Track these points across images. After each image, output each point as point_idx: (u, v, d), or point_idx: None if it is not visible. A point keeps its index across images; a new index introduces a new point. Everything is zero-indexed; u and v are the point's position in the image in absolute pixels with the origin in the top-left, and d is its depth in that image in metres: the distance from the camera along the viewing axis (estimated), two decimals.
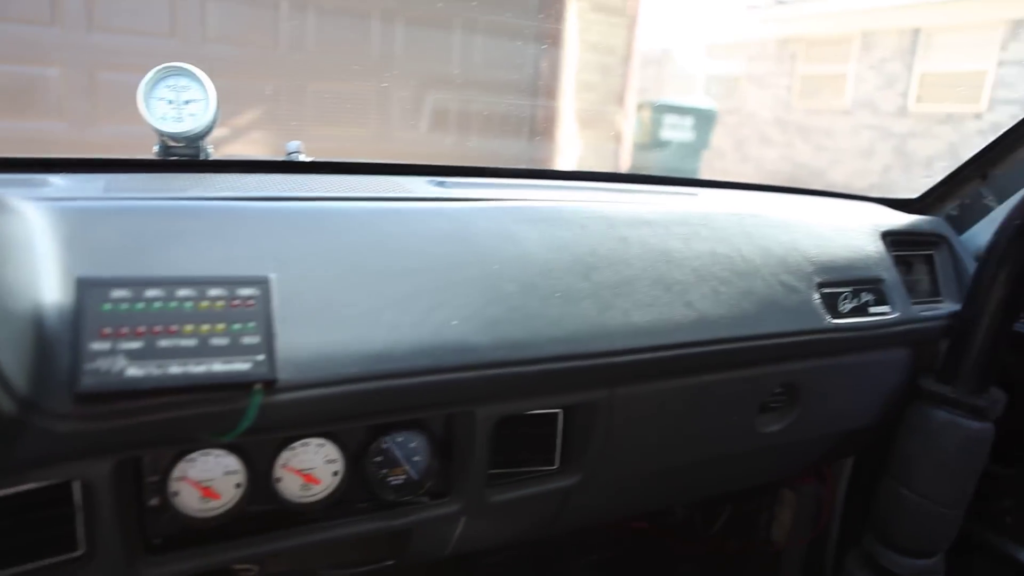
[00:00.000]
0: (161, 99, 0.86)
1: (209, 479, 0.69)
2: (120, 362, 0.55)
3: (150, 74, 0.84)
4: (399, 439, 0.76)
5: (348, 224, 0.75)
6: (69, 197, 0.67)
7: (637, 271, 0.87)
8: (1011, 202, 1.20)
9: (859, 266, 1.09)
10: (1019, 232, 1.03)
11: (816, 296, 1.02)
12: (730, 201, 1.15)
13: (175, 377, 0.56)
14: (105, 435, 0.59)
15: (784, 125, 9.83)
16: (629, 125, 5.69)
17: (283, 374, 0.62)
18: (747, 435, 1.05)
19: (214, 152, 0.94)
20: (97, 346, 0.54)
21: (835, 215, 1.16)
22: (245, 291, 0.60)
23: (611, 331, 0.81)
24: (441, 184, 0.97)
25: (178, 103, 0.86)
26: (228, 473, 0.70)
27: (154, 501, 0.70)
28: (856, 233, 1.14)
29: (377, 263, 0.73)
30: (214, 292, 0.59)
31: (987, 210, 1.30)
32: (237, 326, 0.59)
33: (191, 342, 0.58)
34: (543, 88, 4.86)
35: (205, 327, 0.58)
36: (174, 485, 0.68)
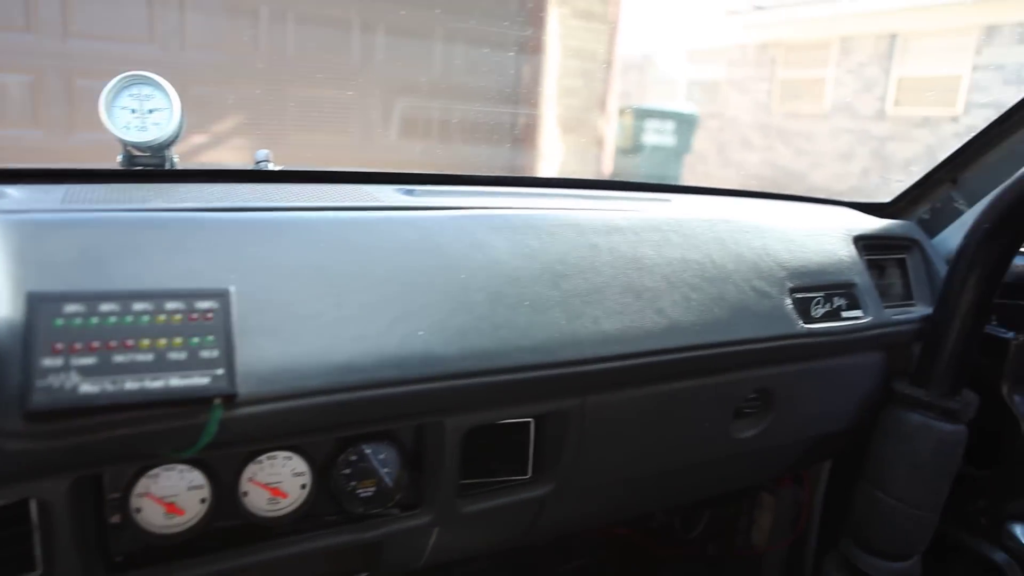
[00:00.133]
0: (124, 108, 0.84)
1: (173, 495, 0.68)
2: (73, 378, 0.53)
3: (112, 83, 0.83)
4: (368, 451, 0.75)
5: (312, 234, 0.74)
6: (23, 209, 0.66)
7: (607, 278, 0.87)
8: (980, 206, 1.22)
9: (831, 271, 1.10)
10: (988, 236, 1.03)
11: (788, 301, 1.02)
12: (703, 207, 1.15)
13: (131, 393, 0.55)
14: (60, 453, 0.57)
15: (765, 129, 9.90)
16: (611, 130, 5.71)
17: (244, 388, 0.61)
18: (722, 441, 1.05)
19: (180, 161, 0.92)
20: (49, 362, 0.53)
21: (807, 220, 1.16)
22: (204, 304, 0.59)
23: (581, 339, 0.81)
24: (410, 192, 0.97)
25: (142, 112, 0.85)
26: (192, 488, 0.68)
27: (115, 518, 0.68)
28: (828, 238, 1.14)
29: (342, 274, 0.72)
30: (172, 305, 0.58)
31: (958, 214, 1.31)
32: (196, 340, 0.58)
33: (148, 357, 0.56)
34: (525, 94, 4.86)
35: (162, 341, 0.57)
36: (136, 501, 0.66)
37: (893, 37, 8.42)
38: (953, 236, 1.30)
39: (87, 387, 0.54)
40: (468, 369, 0.73)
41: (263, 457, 0.71)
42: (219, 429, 0.60)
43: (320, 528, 0.78)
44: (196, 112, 3.54)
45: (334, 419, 0.69)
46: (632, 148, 7.19)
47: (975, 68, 7.47)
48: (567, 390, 0.84)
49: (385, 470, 0.76)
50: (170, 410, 0.58)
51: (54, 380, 0.53)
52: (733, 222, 1.06)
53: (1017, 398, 1.22)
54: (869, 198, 1.43)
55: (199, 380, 0.58)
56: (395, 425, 0.77)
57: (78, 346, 0.54)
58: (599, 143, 5.59)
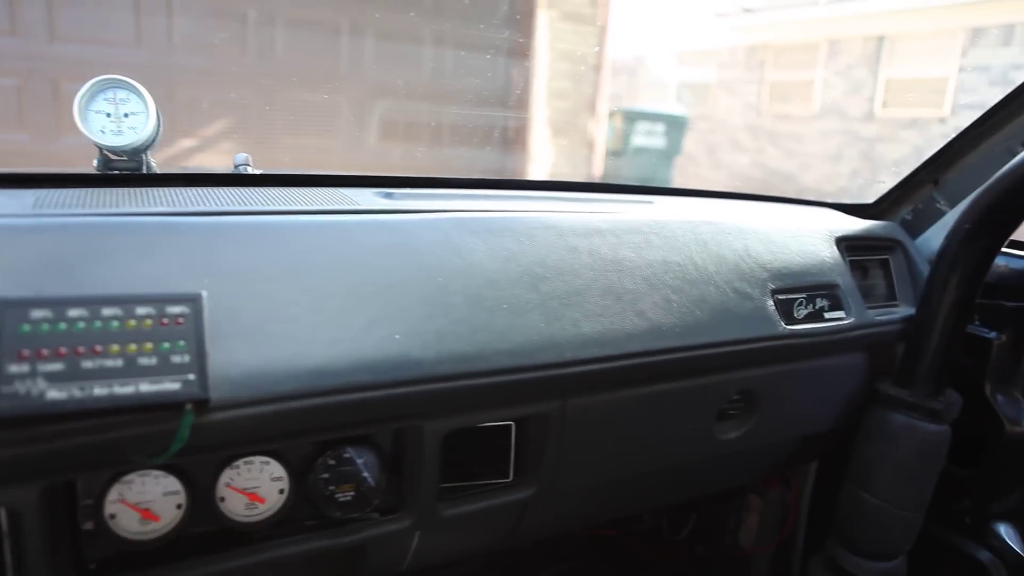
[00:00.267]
0: (99, 112, 0.84)
1: (148, 501, 0.67)
2: (40, 385, 0.53)
3: (86, 87, 0.82)
4: (346, 455, 0.75)
5: (288, 238, 0.73)
6: None
7: (587, 281, 0.87)
8: (961, 206, 1.22)
9: (814, 272, 1.10)
10: (969, 236, 1.04)
11: (770, 303, 1.02)
12: (685, 209, 1.15)
13: (100, 399, 0.55)
14: (28, 460, 0.57)
15: (755, 131, 9.95)
16: (601, 133, 5.72)
17: (217, 392, 0.61)
18: (705, 443, 1.04)
19: (158, 166, 0.92)
20: (15, 368, 0.52)
21: (790, 221, 1.17)
22: (175, 309, 0.59)
23: (560, 342, 0.81)
24: (388, 196, 0.96)
25: (117, 116, 0.84)
26: (168, 494, 0.68)
27: (88, 525, 0.68)
28: (811, 239, 1.14)
29: (317, 278, 0.71)
30: (142, 311, 0.58)
31: (940, 214, 1.31)
32: (166, 345, 0.58)
33: (117, 362, 0.56)
34: (515, 97, 4.87)
35: (132, 347, 0.57)
36: (110, 508, 0.66)
37: (881, 39, 8.47)
38: (936, 237, 1.30)
39: (54, 393, 0.53)
40: (445, 373, 0.73)
41: (240, 462, 0.71)
42: (192, 434, 0.60)
43: (299, 533, 0.77)
44: (184, 116, 3.54)
45: (310, 423, 0.68)
46: (622, 150, 7.21)
47: (961, 69, 7.53)
48: (547, 393, 0.84)
49: (364, 474, 0.75)
50: (141, 416, 0.58)
51: (20, 386, 0.52)
52: (715, 224, 1.06)
53: (1000, 398, 1.22)
54: (857, 199, 1.43)
55: (170, 385, 0.57)
56: (373, 429, 0.76)
57: (45, 352, 0.53)
58: (589, 145, 5.60)
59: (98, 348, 0.55)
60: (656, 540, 1.68)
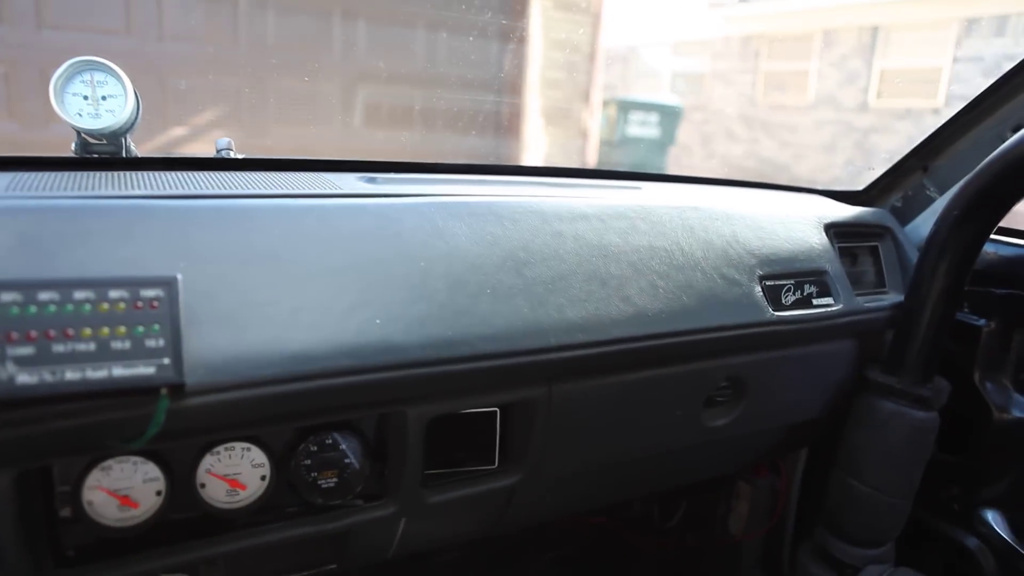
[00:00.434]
0: (76, 95, 0.82)
1: (127, 487, 0.66)
2: (9, 369, 0.52)
3: (62, 68, 0.81)
4: (328, 441, 0.74)
5: (266, 222, 0.72)
6: None
7: (572, 266, 0.86)
8: (951, 193, 1.22)
9: (802, 258, 1.09)
10: (957, 222, 1.03)
11: (758, 289, 1.01)
12: (672, 194, 1.14)
13: (71, 383, 0.54)
14: (0, 446, 0.56)
15: (749, 121, 9.94)
16: (595, 122, 5.71)
17: (193, 377, 0.60)
18: (693, 429, 1.04)
19: (137, 149, 0.90)
20: None
21: (778, 207, 1.16)
22: (149, 292, 0.58)
23: (544, 327, 0.80)
24: (371, 180, 0.95)
25: (94, 99, 0.83)
26: (148, 481, 0.67)
27: (65, 512, 0.67)
28: (799, 225, 1.14)
29: (296, 261, 0.71)
30: (115, 294, 0.57)
31: (929, 201, 1.31)
32: (140, 329, 0.57)
33: (89, 346, 0.55)
34: (509, 86, 4.85)
35: (105, 330, 0.56)
36: (88, 494, 0.65)
37: (875, 29, 8.46)
38: (925, 223, 1.30)
39: (24, 377, 0.52)
40: (428, 358, 0.72)
41: (220, 448, 0.70)
42: (168, 419, 0.59)
43: (282, 519, 0.77)
44: (175, 103, 3.51)
45: (290, 409, 0.67)
46: (616, 140, 7.20)
47: (955, 60, 7.52)
48: (532, 379, 0.83)
49: (347, 460, 0.75)
50: (115, 400, 0.57)
51: None
52: (702, 209, 1.05)
53: (989, 385, 1.22)
54: (849, 188, 1.42)
55: (144, 370, 0.56)
56: (355, 415, 0.76)
57: (15, 335, 0.52)
58: (583, 135, 5.59)
59: (70, 332, 0.54)
60: (646, 527, 1.68)
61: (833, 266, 1.13)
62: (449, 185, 0.97)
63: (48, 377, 0.53)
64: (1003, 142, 0.98)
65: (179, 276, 0.60)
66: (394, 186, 0.91)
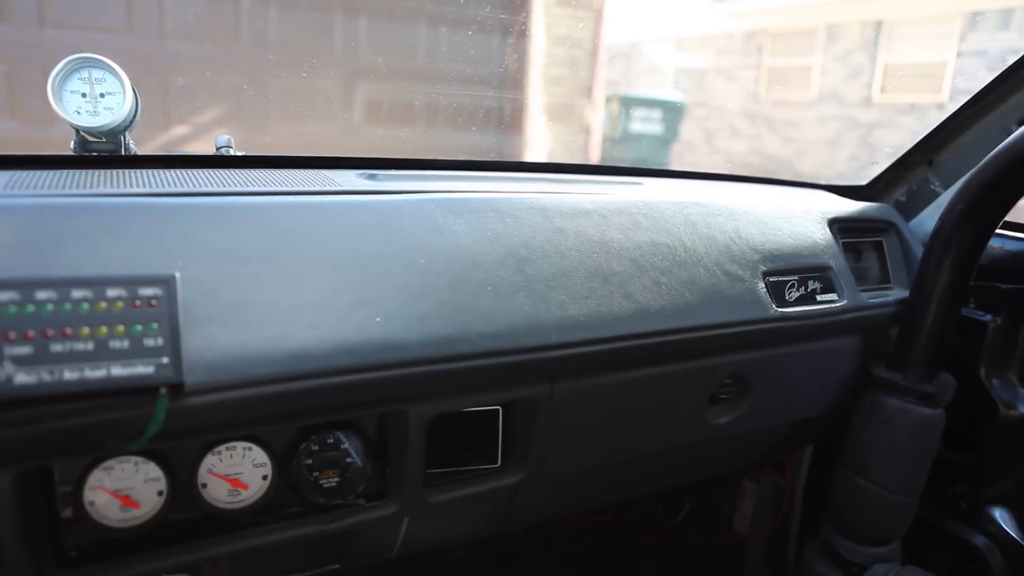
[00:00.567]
0: (74, 92, 0.82)
1: (128, 488, 0.66)
2: (7, 368, 0.51)
3: (59, 66, 0.80)
4: (330, 440, 0.74)
5: (267, 219, 0.72)
6: None
7: (573, 262, 0.85)
8: (955, 187, 1.21)
9: (806, 254, 1.08)
10: (963, 217, 1.02)
11: (761, 285, 1.01)
12: (675, 190, 1.13)
13: (70, 383, 0.53)
14: (0, 446, 0.55)
15: (752, 117, 9.90)
16: (598, 118, 5.69)
17: (193, 377, 0.59)
18: (697, 427, 1.03)
19: (136, 147, 0.90)
20: None
21: (782, 203, 1.15)
22: (147, 291, 0.57)
23: (546, 324, 0.79)
24: (372, 177, 0.95)
25: (93, 96, 0.82)
26: (149, 481, 0.67)
27: (67, 512, 0.67)
28: (803, 221, 1.13)
29: (296, 259, 0.70)
30: (113, 293, 0.56)
31: (934, 196, 1.30)
32: (139, 328, 0.56)
33: (88, 346, 0.54)
34: (511, 82, 4.83)
35: (103, 330, 0.55)
36: (89, 495, 0.65)
37: (879, 24, 8.42)
38: (930, 218, 1.29)
39: (22, 377, 0.52)
40: (429, 356, 0.72)
41: (222, 448, 0.70)
42: (168, 419, 0.59)
43: (284, 519, 0.76)
44: (176, 101, 3.50)
45: (291, 408, 0.67)
46: (619, 136, 7.18)
47: (960, 54, 7.49)
48: (534, 376, 0.83)
49: (348, 460, 0.74)
50: (114, 400, 0.56)
51: None
52: (705, 205, 1.04)
53: (995, 381, 1.22)
54: (853, 183, 1.41)
55: (143, 369, 0.56)
56: (356, 414, 0.75)
57: (12, 335, 0.52)
58: (586, 131, 5.57)
59: (68, 331, 0.54)
60: (651, 526, 1.67)
61: (837, 262, 1.12)
62: (450, 182, 0.96)
63: (46, 377, 0.53)
64: (1008, 135, 0.97)
65: (177, 274, 0.60)
66: (394, 183, 0.91)
